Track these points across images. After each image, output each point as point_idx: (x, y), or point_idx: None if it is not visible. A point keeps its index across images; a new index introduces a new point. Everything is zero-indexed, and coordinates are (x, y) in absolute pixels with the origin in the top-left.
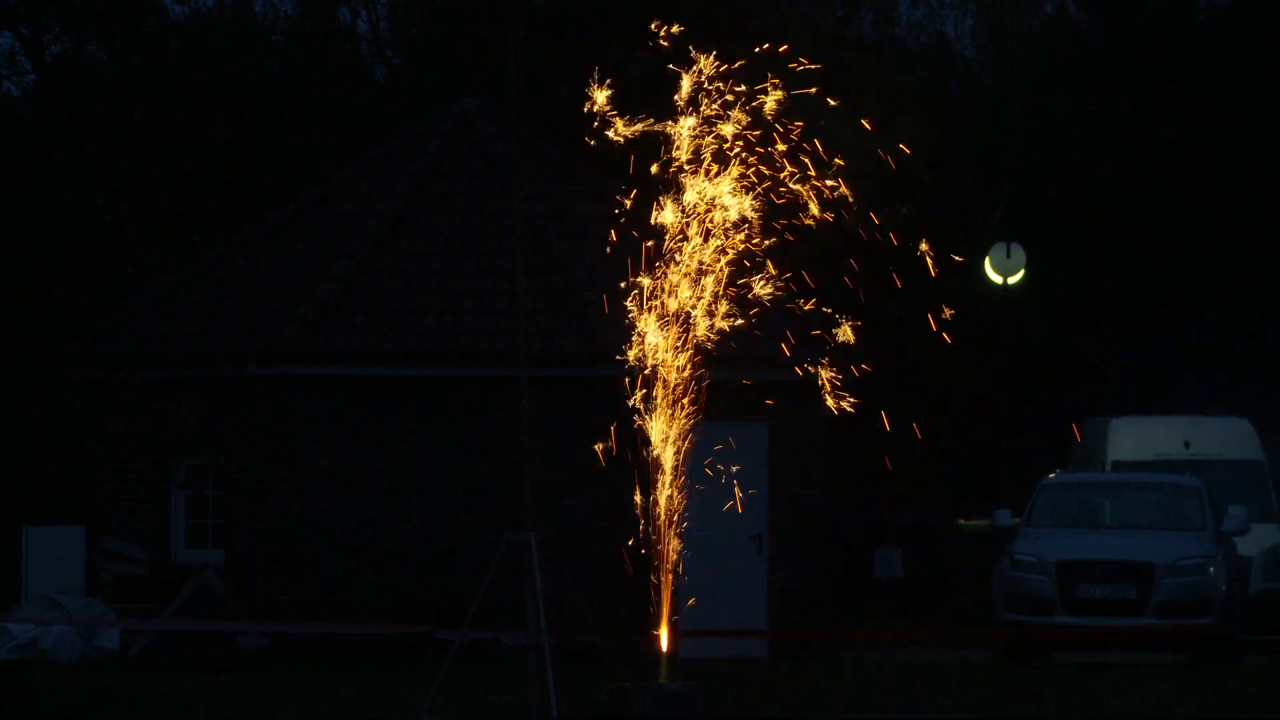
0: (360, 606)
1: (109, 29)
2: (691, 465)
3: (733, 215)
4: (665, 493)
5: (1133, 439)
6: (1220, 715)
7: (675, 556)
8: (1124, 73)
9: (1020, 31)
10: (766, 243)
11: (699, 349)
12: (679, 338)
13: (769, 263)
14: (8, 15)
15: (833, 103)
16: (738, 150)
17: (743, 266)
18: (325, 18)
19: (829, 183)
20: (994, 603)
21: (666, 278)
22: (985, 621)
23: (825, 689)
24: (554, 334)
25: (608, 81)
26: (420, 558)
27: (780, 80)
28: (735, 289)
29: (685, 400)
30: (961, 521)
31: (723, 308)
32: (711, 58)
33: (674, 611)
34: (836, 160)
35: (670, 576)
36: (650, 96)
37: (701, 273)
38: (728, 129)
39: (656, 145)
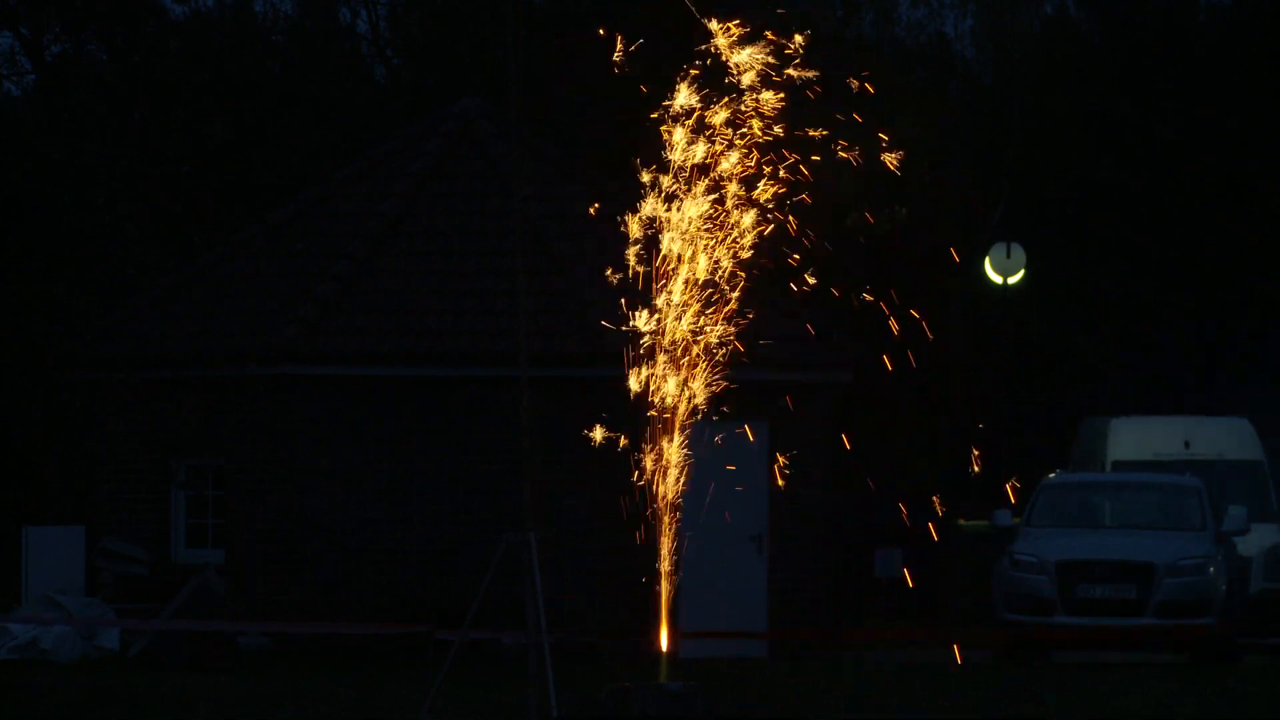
0: (360, 606)
1: (109, 29)
2: (692, 465)
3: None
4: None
5: (1133, 439)
6: (1220, 715)
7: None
8: (1124, 73)
9: (1020, 31)
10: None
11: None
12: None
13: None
14: (8, 15)
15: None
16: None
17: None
18: (325, 18)
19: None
20: (994, 603)
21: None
22: (985, 621)
23: (825, 689)
24: (554, 334)
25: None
26: (420, 558)
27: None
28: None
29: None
30: (961, 521)
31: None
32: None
33: (674, 612)
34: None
35: (670, 577)
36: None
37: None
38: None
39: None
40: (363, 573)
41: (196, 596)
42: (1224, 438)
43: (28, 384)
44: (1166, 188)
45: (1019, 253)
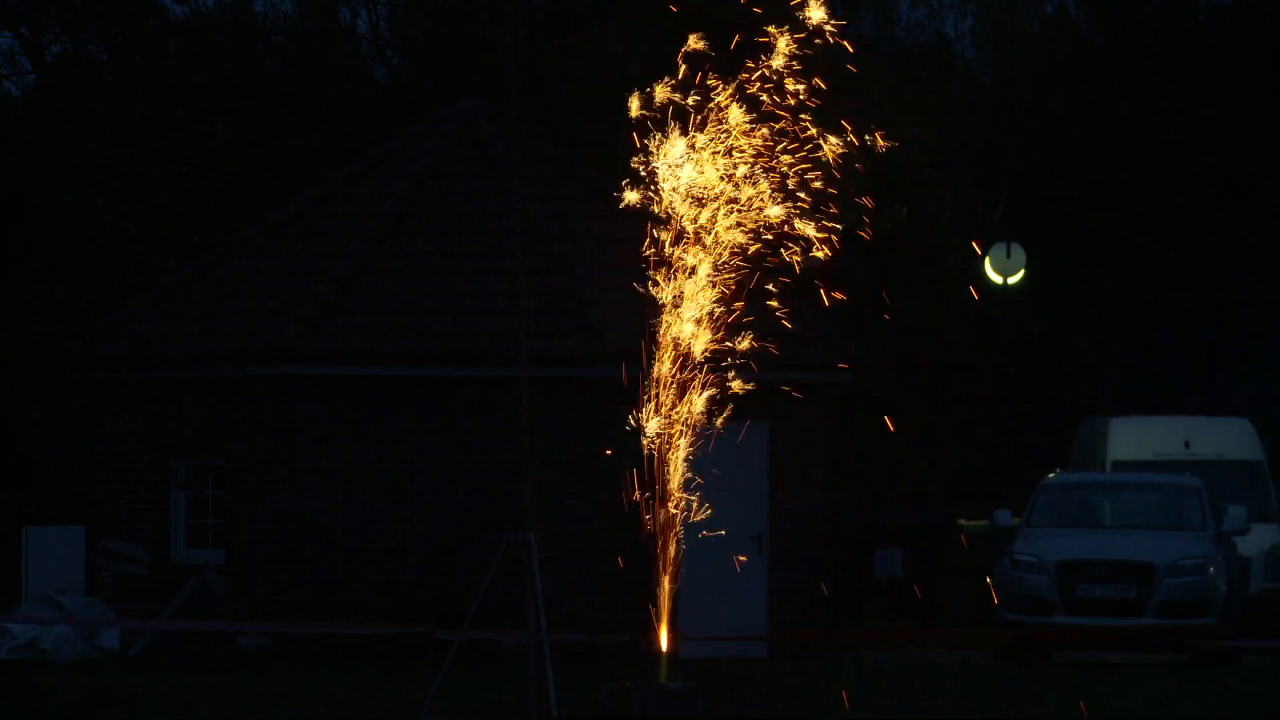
0: (360, 606)
1: (109, 29)
2: (692, 465)
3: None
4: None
5: (1133, 439)
6: (1220, 715)
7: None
8: (1124, 73)
9: (1020, 31)
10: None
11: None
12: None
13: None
14: (8, 15)
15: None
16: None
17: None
18: (325, 18)
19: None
20: (994, 603)
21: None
22: (985, 621)
23: (825, 689)
24: (554, 334)
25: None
26: (420, 558)
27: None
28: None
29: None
30: (961, 521)
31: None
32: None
33: (673, 612)
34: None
35: (669, 577)
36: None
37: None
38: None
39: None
40: (363, 573)
41: (196, 596)
42: (1224, 438)
43: (28, 384)
44: (1166, 188)
45: (1019, 253)
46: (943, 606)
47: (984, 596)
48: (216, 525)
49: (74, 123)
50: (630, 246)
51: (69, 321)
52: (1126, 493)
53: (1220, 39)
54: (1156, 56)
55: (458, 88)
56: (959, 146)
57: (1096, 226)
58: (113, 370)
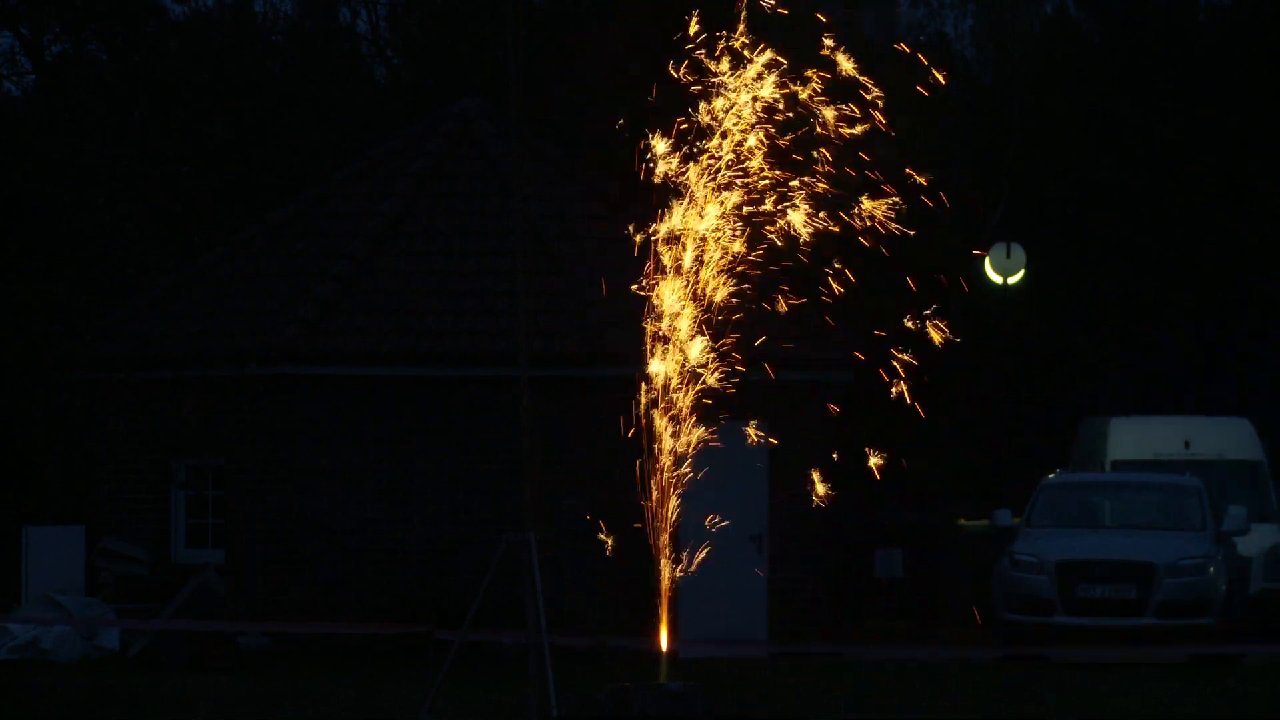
0: (360, 606)
1: (109, 29)
2: (692, 465)
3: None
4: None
5: (1133, 439)
6: (1220, 715)
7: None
8: (1124, 73)
9: (1020, 31)
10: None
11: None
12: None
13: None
14: (8, 15)
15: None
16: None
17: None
18: (325, 18)
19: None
20: (994, 603)
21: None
22: (985, 621)
23: (825, 689)
24: (554, 334)
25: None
26: (420, 558)
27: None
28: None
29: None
30: (961, 521)
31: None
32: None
33: (673, 612)
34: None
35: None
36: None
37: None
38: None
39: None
40: (363, 573)
41: (196, 596)
42: (1224, 438)
43: (28, 384)
44: (1166, 188)
45: (1019, 253)
46: (943, 606)
47: (984, 596)
48: (216, 525)
49: (74, 123)
50: (629, 246)
51: (69, 321)
52: (1126, 493)
53: (1220, 39)
54: (1156, 56)
55: (458, 88)
56: (959, 146)
57: (1096, 226)
58: (113, 370)
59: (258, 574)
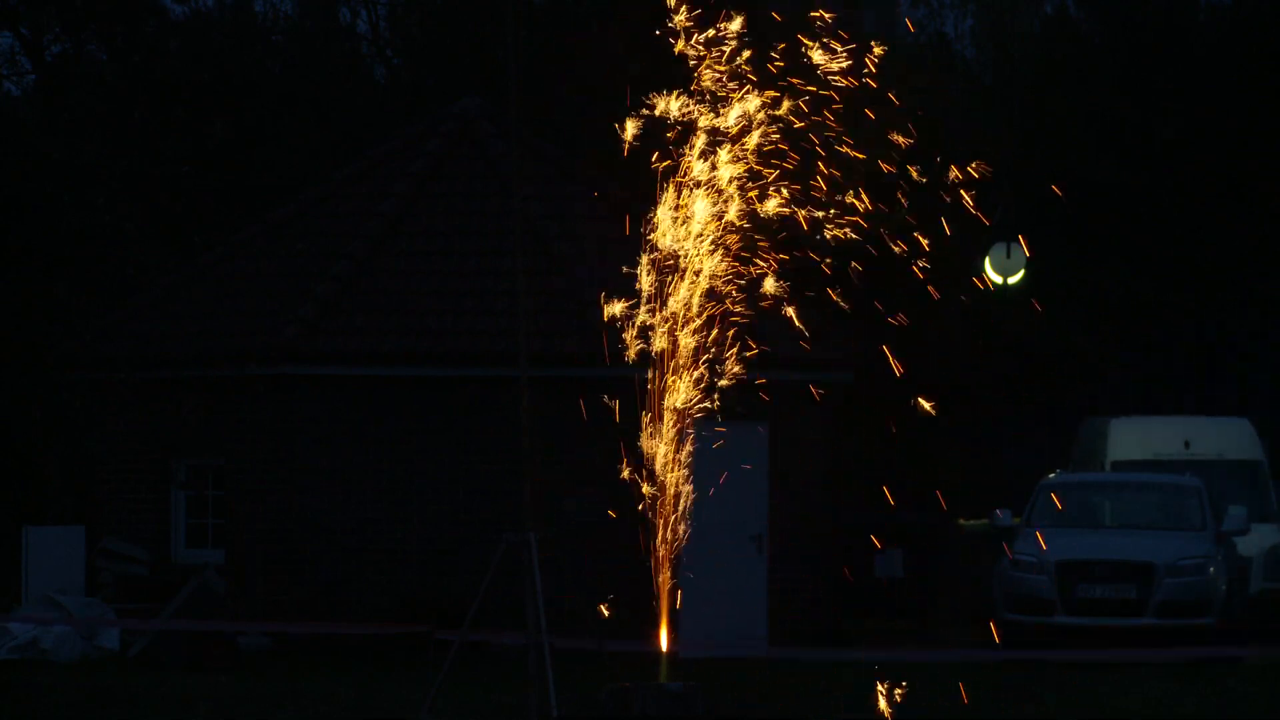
0: (360, 606)
1: (109, 29)
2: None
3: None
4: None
5: (1133, 439)
6: (1220, 715)
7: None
8: (1124, 73)
9: (1020, 31)
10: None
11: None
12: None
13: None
14: (8, 15)
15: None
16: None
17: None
18: (325, 18)
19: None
20: (994, 603)
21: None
22: (985, 621)
23: (825, 689)
24: (554, 334)
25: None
26: (420, 558)
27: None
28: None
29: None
30: (961, 521)
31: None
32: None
33: (673, 612)
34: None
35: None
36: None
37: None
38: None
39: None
40: (363, 573)
41: (196, 596)
42: (1224, 438)
43: (28, 384)
44: (1166, 188)
45: (1019, 253)
46: (943, 606)
47: (984, 596)
48: (216, 525)
49: (74, 123)
50: (630, 246)
51: (69, 321)
52: (1126, 493)
53: (1220, 39)
54: (1156, 56)
55: (458, 88)
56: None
57: (1096, 226)
58: (113, 370)
59: (258, 574)
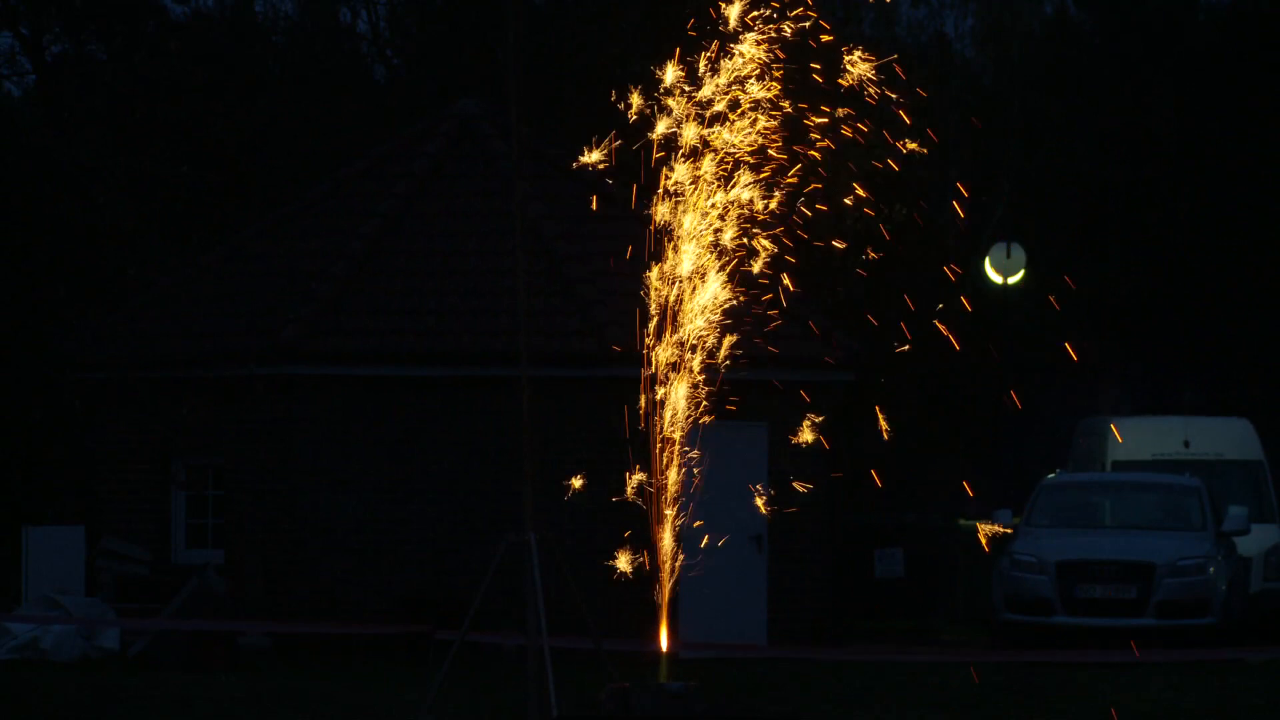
0: (360, 606)
1: (109, 29)
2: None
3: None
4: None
5: (1133, 439)
6: (1220, 715)
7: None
8: (1124, 73)
9: (1020, 31)
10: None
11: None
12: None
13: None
14: (8, 15)
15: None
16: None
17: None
18: (325, 18)
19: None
20: (994, 603)
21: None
22: (985, 621)
23: (825, 689)
24: (554, 334)
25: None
26: (420, 558)
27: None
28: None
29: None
30: (961, 521)
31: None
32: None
33: (673, 612)
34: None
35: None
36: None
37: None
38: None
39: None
40: (363, 573)
41: (196, 596)
42: (1224, 438)
43: (28, 384)
44: (1166, 188)
45: (1019, 253)
46: (943, 606)
47: (984, 596)
48: (216, 525)
49: (74, 123)
50: (631, 244)
51: (69, 321)
52: (1126, 493)
53: (1219, 39)
54: (1156, 57)
55: (458, 88)
56: (959, 146)
57: (1096, 226)
58: (113, 370)
59: (258, 574)
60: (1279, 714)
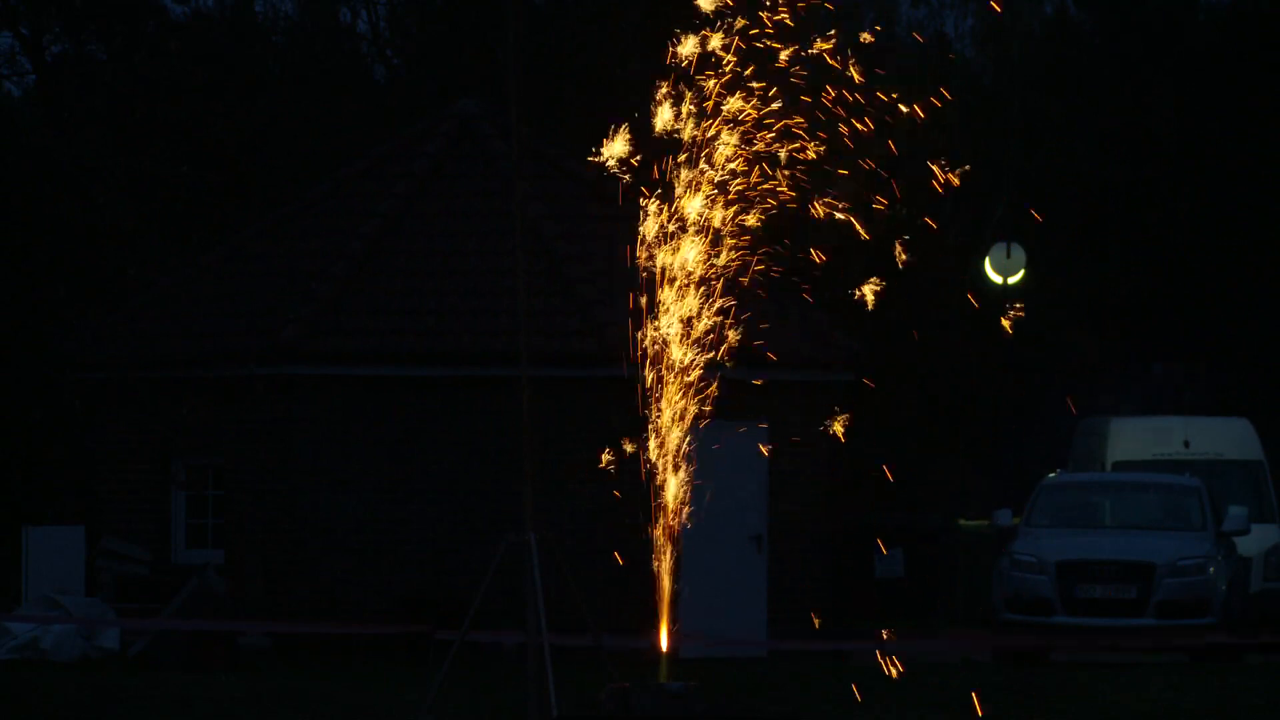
0: (360, 606)
1: (109, 29)
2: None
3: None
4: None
5: (1133, 439)
6: (1220, 715)
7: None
8: (1124, 73)
9: (1020, 31)
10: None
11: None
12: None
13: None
14: (8, 15)
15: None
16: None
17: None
18: (325, 18)
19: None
20: (994, 603)
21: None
22: (985, 621)
23: (825, 689)
24: (554, 334)
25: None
26: (420, 558)
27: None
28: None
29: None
30: (961, 521)
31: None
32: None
33: (674, 612)
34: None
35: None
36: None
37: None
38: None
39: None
40: (363, 573)
41: (196, 596)
42: (1224, 438)
43: (28, 384)
44: (1166, 188)
45: (1019, 253)
46: (943, 606)
47: (984, 596)
48: (216, 525)
49: (74, 123)
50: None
51: (69, 321)
52: (1126, 493)
53: (1219, 39)
54: (1156, 57)
55: (458, 88)
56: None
57: (1096, 226)
58: (113, 370)
59: (258, 574)
60: (1278, 714)
